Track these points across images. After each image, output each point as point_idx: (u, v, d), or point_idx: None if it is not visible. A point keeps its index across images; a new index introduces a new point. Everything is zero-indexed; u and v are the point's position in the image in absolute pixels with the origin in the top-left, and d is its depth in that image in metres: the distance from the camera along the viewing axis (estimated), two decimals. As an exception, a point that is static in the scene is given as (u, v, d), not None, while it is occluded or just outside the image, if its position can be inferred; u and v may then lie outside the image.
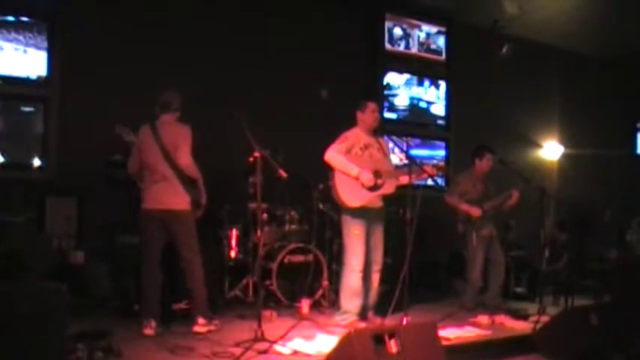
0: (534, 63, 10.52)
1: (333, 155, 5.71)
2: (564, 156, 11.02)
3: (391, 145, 6.57)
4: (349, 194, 5.70)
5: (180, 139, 5.30)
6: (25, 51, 6.85)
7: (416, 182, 5.77)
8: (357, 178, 5.65)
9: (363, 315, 5.84)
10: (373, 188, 5.74)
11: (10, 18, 6.79)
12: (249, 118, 5.26)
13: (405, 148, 6.68)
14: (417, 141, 9.67)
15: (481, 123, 9.74)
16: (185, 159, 5.25)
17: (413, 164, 5.67)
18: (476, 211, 6.90)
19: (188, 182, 5.32)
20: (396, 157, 7.91)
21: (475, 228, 6.92)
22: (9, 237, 5.59)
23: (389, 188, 5.84)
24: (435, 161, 8.98)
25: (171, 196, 5.31)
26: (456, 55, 9.92)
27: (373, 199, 5.79)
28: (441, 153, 9.89)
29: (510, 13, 9.05)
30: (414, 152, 9.19)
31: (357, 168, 5.65)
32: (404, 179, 5.78)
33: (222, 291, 6.58)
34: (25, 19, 6.86)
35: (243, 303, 6.51)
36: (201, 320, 5.25)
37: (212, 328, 5.26)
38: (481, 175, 7.15)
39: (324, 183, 6.47)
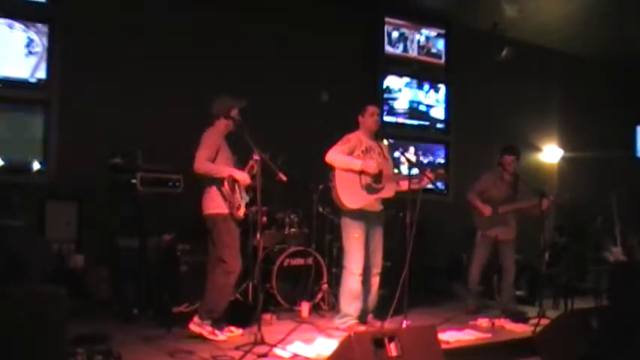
0: (534, 66, 10.53)
1: (334, 155, 5.73)
2: (564, 159, 11.03)
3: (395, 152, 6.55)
4: (349, 196, 5.70)
5: (199, 143, 5.32)
6: (24, 54, 6.85)
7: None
8: (361, 171, 5.67)
9: (362, 318, 5.84)
10: (373, 190, 5.74)
11: (10, 21, 6.78)
12: (248, 122, 5.27)
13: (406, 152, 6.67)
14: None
15: (481, 126, 9.75)
16: (195, 164, 5.22)
17: (417, 167, 5.68)
18: (486, 210, 6.88)
19: (217, 183, 5.26)
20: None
21: (482, 226, 6.93)
22: (8, 241, 5.59)
23: (388, 192, 5.85)
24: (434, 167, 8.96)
25: (203, 202, 5.38)
26: (455, 59, 9.93)
27: (372, 203, 5.79)
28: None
29: (510, 17, 9.06)
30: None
31: (359, 161, 5.68)
32: (404, 184, 5.80)
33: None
34: (24, 21, 6.85)
35: (244, 306, 6.50)
36: (195, 319, 5.26)
37: (205, 332, 5.18)
38: (506, 175, 7.08)
39: (324, 184, 6.48)
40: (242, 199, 5.40)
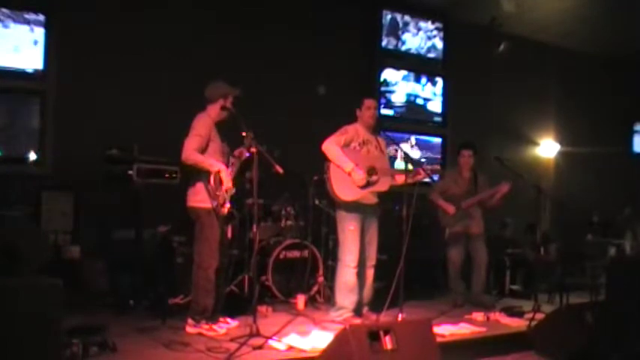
0: (531, 61, 10.53)
1: (331, 146, 5.72)
2: (560, 154, 11.04)
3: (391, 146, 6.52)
4: (343, 188, 5.70)
5: (190, 130, 5.20)
6: (21, 44, 6.81)
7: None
8: (349, 174, 5.67)
9: (358, 311, 5.85)
10: (366, 185, 5.75)
11: (6, 10, 6.75)
12: (246, 115, 5.25)
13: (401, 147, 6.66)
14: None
15: (478, 120, 9.75)
16: (183, 153, 5.10)
17: (410, 163, 5.67)
18: (450, 209, 6.98)
19: (203, 177, 5.16)
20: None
21: (448, 223, 6.99)
22: (4, 231, 5.57)
23: (383, 186, 5.85)
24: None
25: (188, 192, 5.30)
26: (453, 53, 9.92)
27: (367, 195, 5.80)
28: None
29: (507, 11, 9.06)
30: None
31: (351, 164, 5.66)
32: (399, 179, 5.80)
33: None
34: (21, 11, 6.82)
35: (239, 298, 6.51)
36: (189, 321, 5.22)
37: (203, 331, 5.12)
38: (464, 171, 7.19)
39: (318, 175, 6.48)
40: (227, 195, 5.26)
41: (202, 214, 5.22)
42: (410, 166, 5.69)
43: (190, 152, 5.09)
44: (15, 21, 6.78)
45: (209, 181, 5.14)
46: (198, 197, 5.22)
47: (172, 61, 7.43)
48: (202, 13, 7.79)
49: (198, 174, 5.20)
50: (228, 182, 5.19)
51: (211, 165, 5.13)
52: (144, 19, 7.37)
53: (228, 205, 5.30)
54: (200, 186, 5.20)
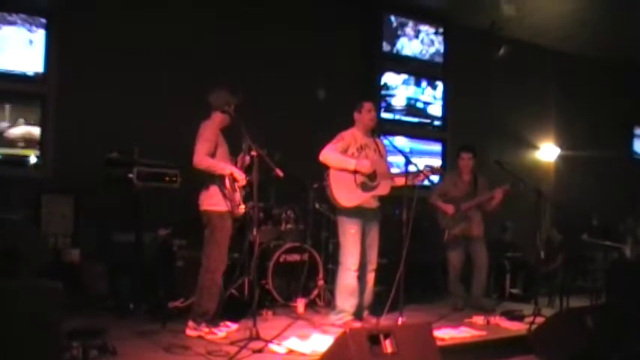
0: (531, 65, 10.53)
1: (328, 153, 5.72)
2: (560, 158, 11.04)
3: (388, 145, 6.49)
4: (344, 194, 5.70)
5: (197, 136, 5.25)
6: (21, 47, 6.82)
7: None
8: (355, 171, 5.66)
9: (358, 314, 5.85)
10: (368, 188, 5.74)
11: (7, 14, 6.75)
12: (246, 118, 5.25)
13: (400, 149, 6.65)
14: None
15: (478, 124, 9.74)
16: (194, 158, 5.13)
17: (410, 164, 5.66)
18: (449, 209, 7.00)
19: (217, 180, 5.20)
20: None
21: (447, 225, 7.00)
22: (4, 234, 5.58)
23: (384, 189, 5.84)
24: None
25: (200, 197, 5.32)
26: (453, 56, 9.91)
27: (368, 200, 5.80)
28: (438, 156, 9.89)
29: (508, 15, 9.06)
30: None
31: (353, 160, 5.67)
32: (399, 181, 5.79)
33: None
34: (22, 15, 6.82)
35: (239, 302, 6.50)
36: (190, 323, 5.22)
37: (203, 334, 5.13)
38: (464, 174, 7.20)
39: (319, 182, 6.47)
40: (241, 194, 5.34)
41: (215, 217, 5.24)
42: (410, 168, 5.70)
43: (202, 157, 5.13)
44: (16, 23, 6.80)
45: (224, 185, 5.20)
46: (212, 200, 5.25)
47: (172, 61, 7.43)
48: (202, 13, 7.78)
49: (210, 178, 5.23)
50: (243, 181, 5.25)
51: (223, 168, 5.19)
52: (144, 19, 7.37)
53: (243, 206, 5.35)
54: (214, 189, 5.23)
